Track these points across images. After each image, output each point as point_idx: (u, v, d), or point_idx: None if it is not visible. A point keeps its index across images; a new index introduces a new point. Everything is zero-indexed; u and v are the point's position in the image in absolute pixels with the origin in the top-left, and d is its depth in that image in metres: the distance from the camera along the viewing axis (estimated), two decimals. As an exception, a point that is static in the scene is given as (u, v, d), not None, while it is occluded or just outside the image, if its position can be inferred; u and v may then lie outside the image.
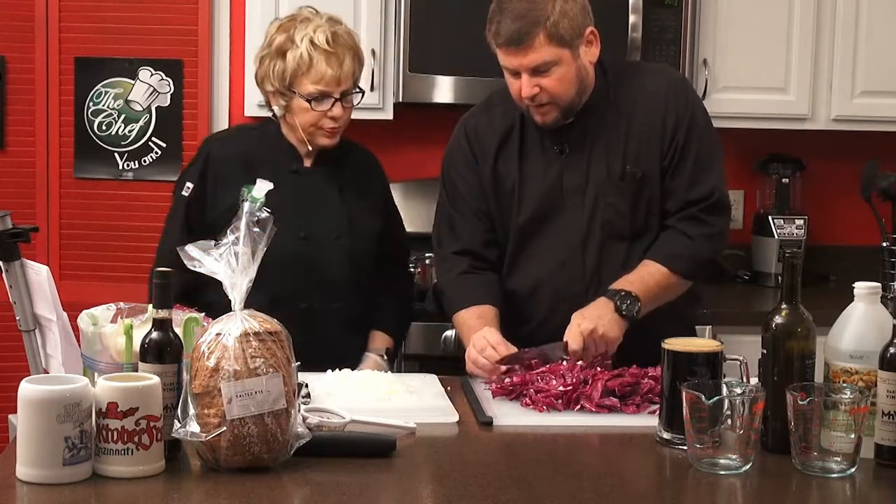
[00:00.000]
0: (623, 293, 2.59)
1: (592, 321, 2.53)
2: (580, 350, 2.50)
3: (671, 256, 2.67)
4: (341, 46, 2.73)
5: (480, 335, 2.59)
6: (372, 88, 3.69)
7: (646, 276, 2.64)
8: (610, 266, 2.69)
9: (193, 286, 2.33)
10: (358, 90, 2.80)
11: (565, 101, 2.65)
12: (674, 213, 2.71)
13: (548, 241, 2.74)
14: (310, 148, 2.81)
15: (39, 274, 2.45)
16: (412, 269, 3.41)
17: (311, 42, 2.71)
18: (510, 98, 2.70)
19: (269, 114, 2.87)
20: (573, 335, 2.52)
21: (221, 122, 4.01)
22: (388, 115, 3.82)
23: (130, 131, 3.99)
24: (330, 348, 2.67)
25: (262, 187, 2.61)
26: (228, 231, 1.97)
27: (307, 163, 2.85)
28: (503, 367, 2.50)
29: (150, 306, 2.03)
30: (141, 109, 3.98)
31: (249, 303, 1.99)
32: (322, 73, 2.71)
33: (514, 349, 2.55)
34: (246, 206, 2.01)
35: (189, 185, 2.81)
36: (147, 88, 3.97)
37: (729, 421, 2.00)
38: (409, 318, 3.07)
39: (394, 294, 2.95)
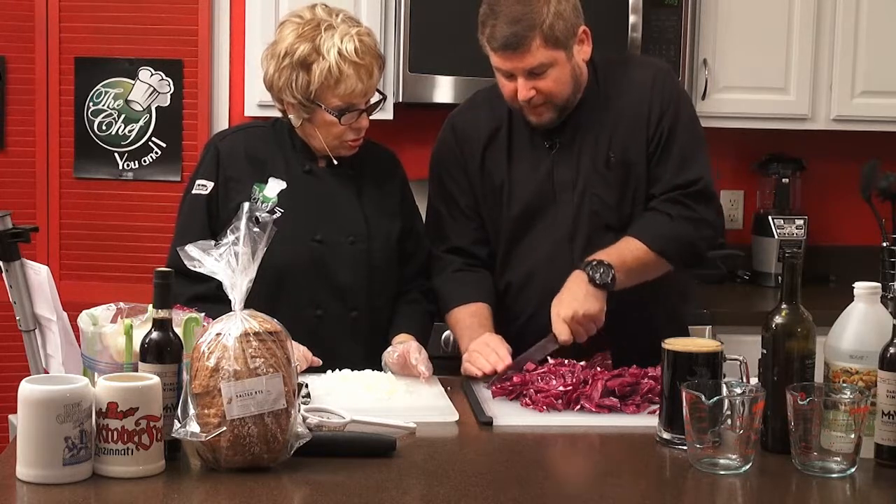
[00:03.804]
0: (595, 262, 2.57)
1: (570, 306, 2.54)
2: (571, 339, 2.53)
3: (650, 233, 2.65)
4: (369, 56, 2.58)
5: (483, 343, 2.59)
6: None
7: (623, 249, 2.63)
8: None
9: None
10: (379, 95, 2.67)
11: (561, 101, 2.65)
12: (658, 196, 2.69)
13: (537, 237, 2.74)
14: (332, 156, 2.69)
15: (39, 274, 2.45)
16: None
17: (340, 54, 2.54)
18: (497, 96, 2.70)
19: (276, 113, 2.74)
20: (558, 326, 2.54)
21: (221, 122, 4.00)
22: (388, 115, 3.81)
23: (130, 131, 3.98)
24: (342, 361, 2.55)
25: (274, 186, 2.60)
26: (228, 231, 1.97)
27: (321, 162, 2.70)
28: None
29: (151, 306, 2.03)
30: (141, 109, 3.98)
31: (259, 308, 2.00)
32: (352, 88, 2.57)
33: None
34: (246, 205, 2.01)
35: (206, 182, 2.65)
36: (147, 88, 3.97)
37: (729, 421, 2.00)
38: (431, 322, 2.85)
39: (417, 297, 2.79)
